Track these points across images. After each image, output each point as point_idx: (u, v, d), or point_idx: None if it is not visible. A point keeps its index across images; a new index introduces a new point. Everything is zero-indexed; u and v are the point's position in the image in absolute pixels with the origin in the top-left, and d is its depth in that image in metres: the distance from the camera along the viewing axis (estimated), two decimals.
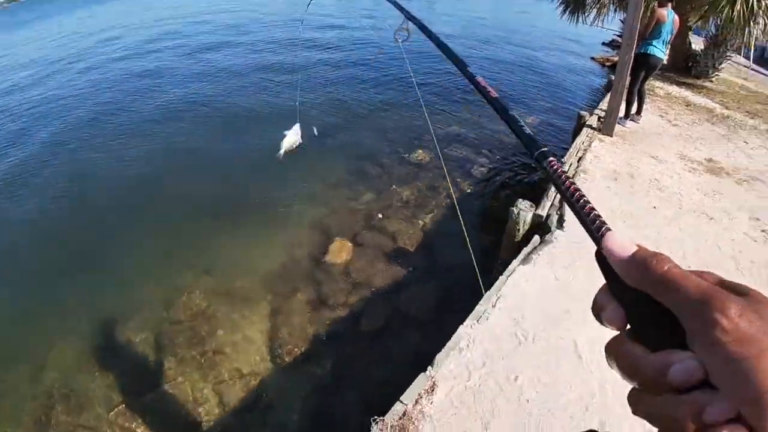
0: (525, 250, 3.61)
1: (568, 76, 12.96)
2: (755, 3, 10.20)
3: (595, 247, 0.39)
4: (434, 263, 4.84)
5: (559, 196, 4.52)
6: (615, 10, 11.25)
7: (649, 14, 7.20)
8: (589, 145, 5.86)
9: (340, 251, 4.95)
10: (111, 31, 18.91)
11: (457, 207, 3.76)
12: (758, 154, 7.65)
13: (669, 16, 6.74)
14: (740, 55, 18.15)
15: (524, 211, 3.95)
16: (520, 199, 4.08)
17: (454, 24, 20.10)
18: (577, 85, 12.24)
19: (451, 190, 5.82)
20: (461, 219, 3.45)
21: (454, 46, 0.84)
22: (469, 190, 6.10)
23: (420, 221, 5.42)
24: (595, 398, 2.66)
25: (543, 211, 4.13)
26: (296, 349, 3.87)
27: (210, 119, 8.50)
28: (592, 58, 15.34)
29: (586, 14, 11.17)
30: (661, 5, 6.75)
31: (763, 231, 5.08)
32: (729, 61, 14.68)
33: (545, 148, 0.43)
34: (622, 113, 7.07)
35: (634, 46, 6.23)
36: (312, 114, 8.15)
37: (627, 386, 0.35)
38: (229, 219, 5.47)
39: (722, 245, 4.57)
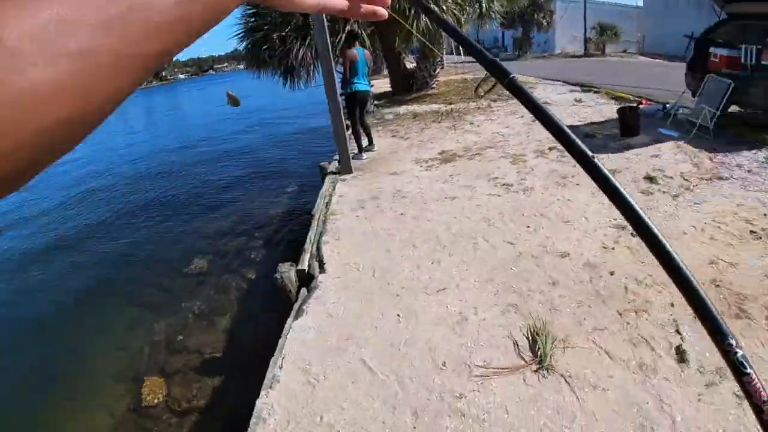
0: (295, 306, 3.91)
1: (319, 138, 13.95)
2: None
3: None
4: (244, 355, 4.93)
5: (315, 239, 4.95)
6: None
7: (342, 59, 8.17)
8: (334, 189, 6.44)
9: (154, 389, 4.82)
10: None
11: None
12: (483, 128, 8.94)
13: (359, 53, 7.69)
14: (455, 55, 21.02)
15: (286, 273, 4.27)
16: (280, 264, 4.41)
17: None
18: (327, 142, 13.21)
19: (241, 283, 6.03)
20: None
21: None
22: (252, 276, 6.26)
23: (219, 326, 5.46)
24: (398, 395, 2.98)
25: (304, 265, 4.49)
26: None
27: None
28: None
29: (298, 79, 12.22)
30: (349, 47, 7.70)
31: (503, 185, 5.96)
32: (445, 65, 16.77)
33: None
34: (357, 151, 7.89)
35: (338, 91, 7.02)
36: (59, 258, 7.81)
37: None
38: (38, 403, 4.98)
39: (471, 215, 5.29)
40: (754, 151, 6.45)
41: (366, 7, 0.50)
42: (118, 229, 9.38)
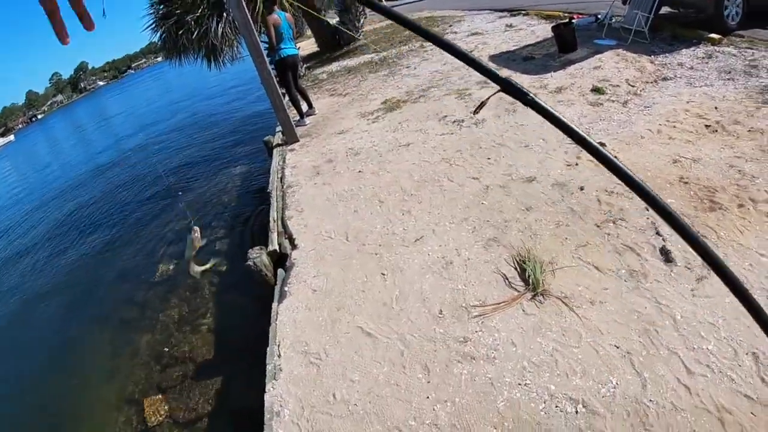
0: (276, 289, 3.78)
1: (258, 119, 13.54)
2: None
3: None
4: (238, 350, 4.76)
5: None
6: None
7: (265, 26, 7.81)
8: (284, 161, 6.23)
9: (155, 408, 4.63)
10: None
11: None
12: (421, 70, 8.78)
13: (281, 16, 7.38)
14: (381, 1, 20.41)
15: (258, 257, 4.11)
16: (249, 250, 4.24)
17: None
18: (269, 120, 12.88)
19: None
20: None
21: None
22: (223, 268, 5.96)
23: (204, 327, 5.22)
24: (404, 354, 2.90)
25: (274, 245, 4.33)
26: None
27: None
28: None
29: (222, 58, 11.71)
30: (269, 12, 7.36)
31: (455, 122, 5.88)
32: (368, 14, 16.31)
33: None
34: (298, 117, 7.65)
35: (266, 60, 6.71)
36: None
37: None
38: None
39: (430, 158, 5.21)
40: (692, 49, 6.53)
41: None
42: (70, 247, 8.94)
